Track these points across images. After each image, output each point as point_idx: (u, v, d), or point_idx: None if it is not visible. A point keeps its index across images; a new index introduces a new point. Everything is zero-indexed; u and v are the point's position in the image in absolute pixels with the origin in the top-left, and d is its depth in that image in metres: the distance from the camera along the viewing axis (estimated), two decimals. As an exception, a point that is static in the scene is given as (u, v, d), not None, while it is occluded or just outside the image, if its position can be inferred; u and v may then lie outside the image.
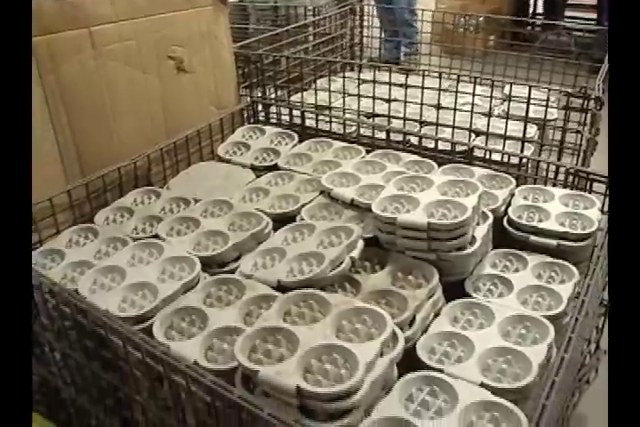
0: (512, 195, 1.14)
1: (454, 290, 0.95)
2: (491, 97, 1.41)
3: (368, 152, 1.31)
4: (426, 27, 2.42)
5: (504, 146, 1.40)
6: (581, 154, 1.30)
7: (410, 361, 0.79)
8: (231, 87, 1.54)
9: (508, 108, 1.46)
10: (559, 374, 0.71)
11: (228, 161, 1.33)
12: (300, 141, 1.37)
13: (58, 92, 1.16)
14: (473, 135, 1.47)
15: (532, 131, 1.48)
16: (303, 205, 1.11)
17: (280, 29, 1.96)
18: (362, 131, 1.49)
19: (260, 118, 1.60)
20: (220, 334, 0.81)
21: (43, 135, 1.15)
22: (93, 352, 0.86)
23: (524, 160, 1.31)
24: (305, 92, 1.66)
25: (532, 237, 1.04)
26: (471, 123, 1.42)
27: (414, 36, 3.08)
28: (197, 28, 1.39)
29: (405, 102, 1.47)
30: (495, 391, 0.73)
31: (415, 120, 1.55)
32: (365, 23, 2.19)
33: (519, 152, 1.36)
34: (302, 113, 1.50)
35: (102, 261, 0.99)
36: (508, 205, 1.11)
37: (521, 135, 1.37)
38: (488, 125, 1.43)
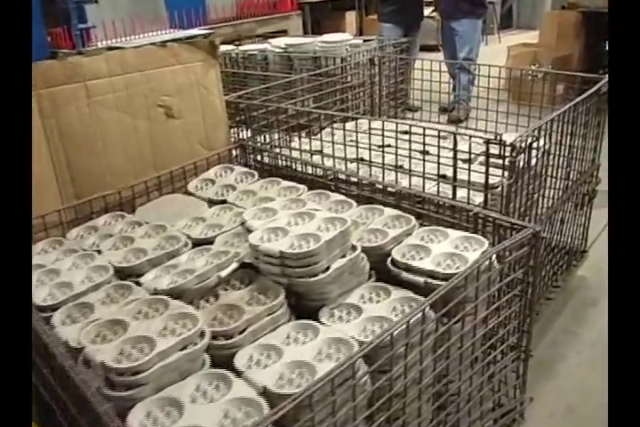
0: (409, 234, 1.31)
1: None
2: (470, 151, 1.57)
3: (311, 189, 1.56)
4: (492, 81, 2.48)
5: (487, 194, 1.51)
6: (503, 199, 1.42)
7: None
8: (220, 131, 1.88)
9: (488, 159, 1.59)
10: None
11: (192, 194, 1.65)
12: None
13: (56, 132, 1.57)
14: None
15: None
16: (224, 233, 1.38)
17: (296, 76, 2.29)
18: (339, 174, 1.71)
19: (249, 159, 1.91)
20: (107, 323, 1.08)
21: (42, 164, 1.55)
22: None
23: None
24: (308, 138, 1.94)
25: (404, 274, 1.20)
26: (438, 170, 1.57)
27: (469, 85, 3.27)
28: (186, 80, 1.76)
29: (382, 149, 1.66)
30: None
31: (391, 165, 1.76)
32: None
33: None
34: (275, 156, 1.78)
35: (52, 265, 1.34)
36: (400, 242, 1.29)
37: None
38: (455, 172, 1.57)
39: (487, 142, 1.38)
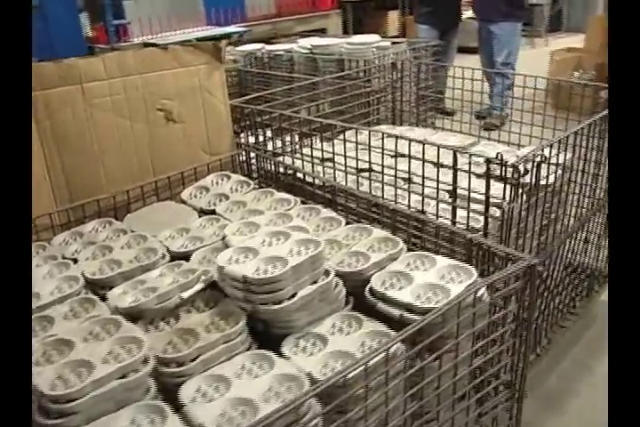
0: (394, 259, 1.22)
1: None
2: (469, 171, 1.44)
3: (304, 203, 1.49)
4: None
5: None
6: (504, 226, 1.30)
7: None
8: (224, 136, 1.82)
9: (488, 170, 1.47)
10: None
11: (185, 203, 1.60)
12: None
13: (51, 135, 1.54)
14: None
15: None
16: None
17: (317, 79, 2.21)
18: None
19: (252, 166, 1.85)
20: (55, 343, 1.04)
21: (35, 167, 1.53)
22: None
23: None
24: (310, 148, 1.85)
25: (380, 304, 1.11)
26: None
27: (506, 91, 3.12)
28: (189, 83, 1.71)
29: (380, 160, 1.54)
30: None
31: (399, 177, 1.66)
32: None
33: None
34: (275, 164, 1.71)
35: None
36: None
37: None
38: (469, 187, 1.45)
39: (487, 162, 1.27)
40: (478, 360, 1.17)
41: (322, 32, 4.39)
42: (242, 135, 1.88)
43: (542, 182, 1.45)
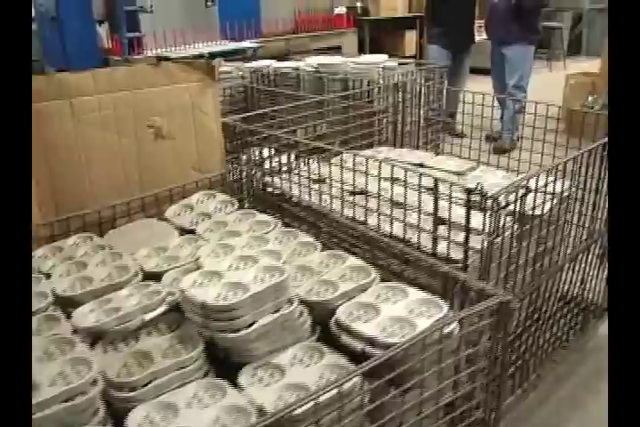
0: (364, 289, 1.20)
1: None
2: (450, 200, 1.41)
3: (288, 224, 1.48)
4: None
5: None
6: (483, 259, 1.28)
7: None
8: (215, 153, 1.83)
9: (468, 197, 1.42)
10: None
11: (167, 221, 1.60)
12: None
13: (39, 148, 1.56)
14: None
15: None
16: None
17: (319, 98, 2.22)
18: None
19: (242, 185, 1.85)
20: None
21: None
22: None
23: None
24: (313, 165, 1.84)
25: (343, 337, 1.09)
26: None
27: (517, 115, 3.09)
28: (179, 100, 1.72)
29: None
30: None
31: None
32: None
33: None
34: (263, 184, 1.71)
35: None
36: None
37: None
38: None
39: (468, 192, 1.25)
40: (447, 397, 1.14)
41: (337, 49, 4.42)
42: (234, 154, 1.89)
43: (534, 212, 1.42)
